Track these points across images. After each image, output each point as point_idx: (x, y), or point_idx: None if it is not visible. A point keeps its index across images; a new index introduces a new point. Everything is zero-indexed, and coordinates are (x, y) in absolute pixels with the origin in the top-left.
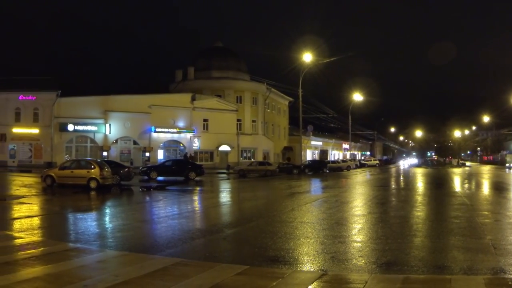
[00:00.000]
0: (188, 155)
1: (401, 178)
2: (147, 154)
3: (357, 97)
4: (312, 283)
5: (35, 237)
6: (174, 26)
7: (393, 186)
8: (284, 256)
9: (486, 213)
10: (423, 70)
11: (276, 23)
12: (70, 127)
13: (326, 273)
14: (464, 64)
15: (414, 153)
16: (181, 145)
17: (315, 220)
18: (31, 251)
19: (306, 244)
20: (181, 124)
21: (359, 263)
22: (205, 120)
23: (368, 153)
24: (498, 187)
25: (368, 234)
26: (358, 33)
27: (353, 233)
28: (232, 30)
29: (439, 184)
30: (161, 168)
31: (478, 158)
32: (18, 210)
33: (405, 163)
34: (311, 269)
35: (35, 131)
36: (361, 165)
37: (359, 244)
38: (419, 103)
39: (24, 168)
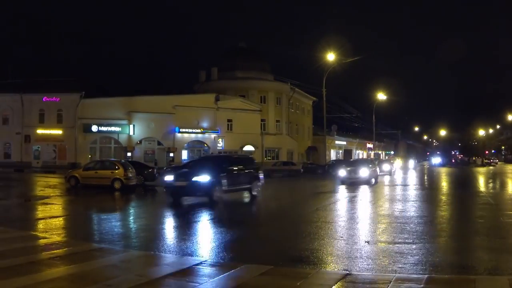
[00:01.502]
0: (212, 154)
1: (425, 177)
2: (171, 154)
3: (381, 96)
4: (336, 283)
5: (59, 237)
6: (198, 26)
7: (417, 185)
8: (308, 256)
9: (510, 212)
10: (447, 68)
11: (299, 23)
12: (94, 128)
13: (350, 273)
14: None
15: (438, 152)
16: (205, 145)
17: (339, 220)
18: (55, 251)
19: (330, 244)
20: (205, 124)
21: (383, 263)
22: (229, 120)
23: (392, 152)
24: None
25: (392, 234)
26: (382, 31)
27: (378, 233)
28: (256, 30)
29: (463, 184)
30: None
31: (503, 157)
32: (43, 210)
33: (429, 163)
34: (335, 269)
35: (59, 132)
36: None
37: (383, 244)
38: (444, 102)
39: (48, 169)
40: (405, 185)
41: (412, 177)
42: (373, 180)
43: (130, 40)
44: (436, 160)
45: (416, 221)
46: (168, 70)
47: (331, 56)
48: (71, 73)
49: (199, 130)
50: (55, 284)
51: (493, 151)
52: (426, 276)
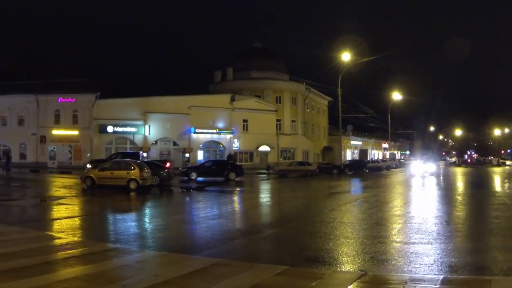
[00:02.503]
0: (231, 154)
1: (441, 177)
2: (186, 155)
3: (396, 96)
4: (352, 284)
5: (74, 237)
6: (213, 27)
7: (433, 185)
8: (323, 256)
9: None
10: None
11: (314, 22)
12: (110, 129)
13: (365, 274)
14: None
15: (453, 152)
16: (221, 145)
17: (355, 220)
18: (70, 251)
19: (346, 244)
20: (220, 124)
21: (398, 264)
22: (244, 121)
23: (408, 152)
24: None
25: (407, 234)
26: (398, 31)
27: (393, 233)
28: (271, 30)
29: (478, 184)
30: (201, 168)
31: None
32: (58, 211)
33: (444, 162)
34: (351, 270)
35: (74, 132)
36: (400, 165)
37: (398, 245)
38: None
39: (64, 170)
40: (420, 185)
41: (427, 177)
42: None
43: (145, 40)
44: (452, 159)
45: (431, 221)
46: (183, 70)
47: (346, 56)
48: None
49: (214, 131)
50: (70, 284)
51: (509, 150)
52: (441, 276)
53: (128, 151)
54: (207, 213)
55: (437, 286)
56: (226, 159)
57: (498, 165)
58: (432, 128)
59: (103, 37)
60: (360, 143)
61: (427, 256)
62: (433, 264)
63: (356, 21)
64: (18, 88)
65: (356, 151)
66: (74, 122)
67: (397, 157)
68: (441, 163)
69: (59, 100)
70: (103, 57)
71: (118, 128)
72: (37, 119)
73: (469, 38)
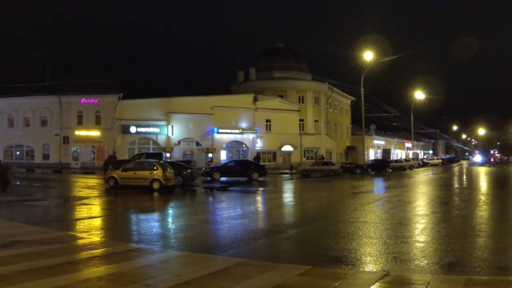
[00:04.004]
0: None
1: (464, 177)
2: (210, 155)
3: (419, 95)
4: (374, 284)
5: (97, 237)
6: (235, 26)
7: (456, 185)
8: (346, 256)
9: None
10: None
11: (337, 22)
12: (133, 129)
13: (388, 274)
14: None
15: (476, 152)
16: (244, 145)
17: (378, 220)
18: (93, 251)
19: (369, 244)
20: (243, 124)
21: (421, 264)
22: (267, 121)
23: (431, 151)
24: None
25: (430, 234)
26: (421, 30)
27: (416, 233)
28: (293, 30)
29: (502, 183)
30: (224, 168)
31: None
32: (81, 211)
33: (467, 162)
34: (373, 270)
35: (97, 133)
36: (423, 164)
37: (421, 245)
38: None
39: (87, 170)
40: (443, 184)
41: (451, 177)
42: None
43: (167, 40)
44: (475, 159)
45: (454, 220)
46: (206, 70)
47: (369, 55)
48: (109, 75)
49: (237, 131)
50: (93, 284)
51: None
52: (464, 277)
53: (152, 151)
54: (230, 213)
55: (460, 287)
56: (249, 159)
57: None
58: (455, 128)
59: (125, 38)
60: (383, 142)
61: (450, 256)
62: (456, 264)
63: (379, 20)
64: (41, 89)
65: (379, 151)
66: (97, 123)
67: (420, 157)
68: (464, 162)
69: (82, 101)
70: (126, 58)
71: (141, 128)
72: (60, 120)
73: (494, 36)
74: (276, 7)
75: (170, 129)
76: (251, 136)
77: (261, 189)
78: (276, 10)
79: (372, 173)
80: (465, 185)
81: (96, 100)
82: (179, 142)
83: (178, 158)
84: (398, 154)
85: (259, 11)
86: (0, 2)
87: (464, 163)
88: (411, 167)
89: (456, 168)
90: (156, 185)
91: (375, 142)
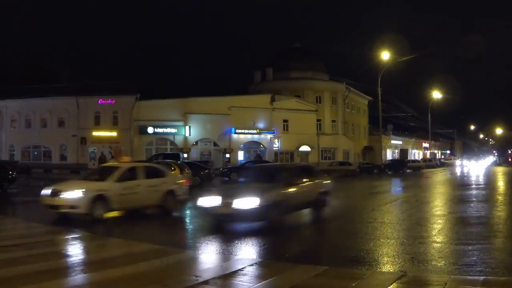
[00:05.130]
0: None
1: (481, 177)
2: (227, 155)
3: (436, 95)
4: (391, 284)
5: (115, 238)
6: (252, 27)
7: (473, 185)
8: (363, 256)
9: None
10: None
11: (353, 22)
12: (150, 130)
13: (405, 274)
14: None
15: (494, 152)
16: (261, 146)
17: (395, 221)
18: (111, 251)
19: (386, 244)
20: (261, 125)
21: (438, 264)
22: (285, 121)
23: (448, 151)
24: None
25: (448, 234)
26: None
27: (433, 233)
28: (310, 30)
29: None
30: (241, 169)
31: None
32: None
33: (485, 162)
34: (391, 270)
35: (114, 134)
36: (441, 164)
37: (439, 245)
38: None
39: None
40: (461, 184)
41: (468, 177)
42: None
43: (184, 40)
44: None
45: (472, 221)
46: (222, 70)
47: (385, 55)
48: (126, 75)
49: (255, 131)
50: (110, 284)
51: None
52: (482, 278)
53: (169, 152)
54: None
55: None
56: (267, 160)
57: None
58: (472, 127)
59: (142, 38)
60: (400, 142)
61: (467, 256)
62: (474, 265)
63: (396, 20)
64: (58, 90)
65: (396, 151)
66: (114, 124)
67: (437, 157)
68: (482, 162)
69: (99, 102)
70: (142, 58)
71: (158, 129)
72: (77, 121)
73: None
74: (293, 7)
75: (187, 129)
76: (268, 136)
77: None
78: (293, 10)
79: (390, 173)
80: (482, 185)
81: (113, 101)
82: (196, 142)
83: (195, 159)
84: (415, 154)
85: (276, 11)
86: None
87: (482, 163)
88: (429, 167)
89: (473, 168)
90: None
91: (393, 142)
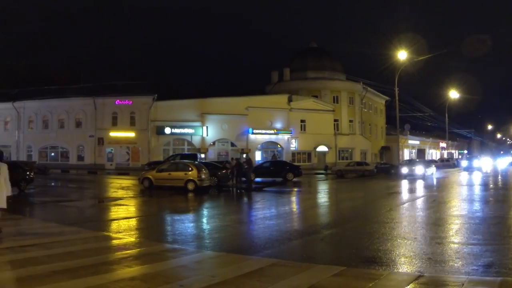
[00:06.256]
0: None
1: (499, 177)
2: (244, 155)
3: (454, 94)
4: (408, 285)
5: (132, 238)
6: (269, 27)
7: (491, 185)
8: (380, 257)
9: None
10: None
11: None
12: (167, 130)
13: (422, 275)
14: None
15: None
16: (279, 146)
17: (412, 221)
18: (128, 251)
19: (403, 245)
20: (278, 125)
21: (456, 265)
22: (302, 121)
23: (465, 151)
24: None
25: (465, 235)
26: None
27: (450, 234)
28: (326, 29)
29: None
30: (259, 169)
31: None
32: (116, 211)
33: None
34: (408, 271)
35: (131, 134)
36: (458, 164)
37: (456, 246)
38: None
39: (122, 171)
40: (479, 184)
41: (486, 177)
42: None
43: (201, 41)
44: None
45: (489, 221)
46: (239, 71)
47: (402, 55)
48: (143, 76)
49: (272, 131)
50: (127, 284)
51: None
52: (499, 279)
53: (187, 152)
54: (265, 213)
55: None
56: (284, 160)
57: None
58: (490, 127)
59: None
60: (417, 142)
61: (485, 257)
62: (491, 265)
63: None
64: (76, 91)
65: (413, 151)
66: (132, 124)
67: (454, 157)
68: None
69: (116, 102)
70: (160, 59)
71: (175, 129)
72: (95, 121)
73: None
74: (310, 6)
75: (204, 130)
76: (285, 136)
77: (295, 189)
78: (310, 10)
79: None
80: (500, 185)
81: (131, 102)
82: (214, 143)
83: (213, 159)
84: (432, 154)
85: (293, 11)
86: (33, 3)
87: (499, 163)
88: (446, 167)
89: (490, 168)
90: (190, 186)
91: (410, 142)
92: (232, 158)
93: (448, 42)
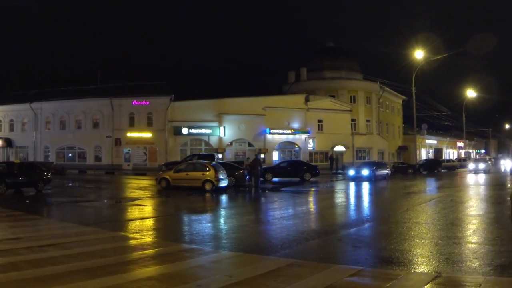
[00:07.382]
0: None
1: None
2: (262, 155)
3: (471, 93)
4: (426, 285)
5: (149, 238)
6: (286, 27)
7: (509, 185)
8: (398, 257)
9: None
10: None
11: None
12: (185, 131)
13: (440, 275)
14: None
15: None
16: (296, 146)
17: (430, 221)
18: (145, 251)
19: (420, 245)
20: (295, 125)
21: (473, 265)
22: (319, 121)
23: (483, 151)
24: None
25: (483, 235)
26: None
27: (468, 234)
28: (343, 29)
29: None
30: (276, 169)
31: None
32: (133, 211)
33: None
34: (425, 271)
35: (148, 135)
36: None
37: (473, 246)
38: None
39: (139, 171)
40: (496, 184)
41: (504, 177)
42: None
43: (217, 41)
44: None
45: (507, 221)
46: (256, 71)
47: (419, 54)
48: (160, 76)
49: (289, 131)
50: (144, 284)
51: None
52: None
53: (204, 152)
54: (282, 213)
55: None
56: (301, 160)
57: None
58: (507, 126)
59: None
60: (435, 142)
61: (502, 257)
62: (508, 266)
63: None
64: (93, 92)
65: (431, 150)
66: (149, 125)
67: (472, 156)
68: None
69: (133, 103)
70: (176, 59)
71: (192, 130)
72: (112, 122)
73: None
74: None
75: (222, 130)
76: (303, 136)
77: (313, 189)
78: (326, 9)
79: (424, 173)
80: None
81: (148, 102)
82: (231, 143)
83: (230, 159)
84: (450, 153)
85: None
86: (48, 6)
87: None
88: (463, 167)
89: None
90: (208, 186)
91: (427, 141)
92: (247, 158)
93: (464, 41)
